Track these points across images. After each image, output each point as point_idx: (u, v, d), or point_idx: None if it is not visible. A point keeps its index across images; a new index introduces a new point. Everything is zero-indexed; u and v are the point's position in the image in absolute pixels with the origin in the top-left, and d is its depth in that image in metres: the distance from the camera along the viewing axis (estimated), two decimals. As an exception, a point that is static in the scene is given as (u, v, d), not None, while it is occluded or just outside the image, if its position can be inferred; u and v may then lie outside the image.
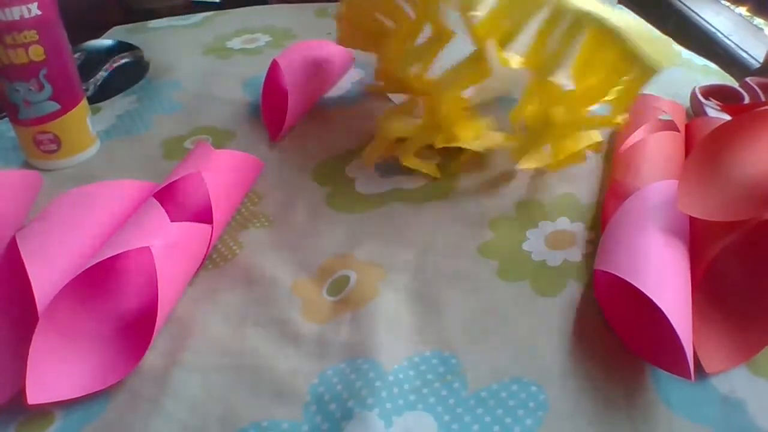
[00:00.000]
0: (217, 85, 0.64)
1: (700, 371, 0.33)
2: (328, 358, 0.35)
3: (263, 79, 0.58)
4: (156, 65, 0.68)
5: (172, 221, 0.39)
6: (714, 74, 0.61)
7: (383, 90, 0.56)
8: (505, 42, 0.42)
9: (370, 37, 0.51)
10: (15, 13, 0.46)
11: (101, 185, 0.43)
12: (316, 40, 0.63)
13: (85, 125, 0.54)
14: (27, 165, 0.54)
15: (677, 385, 0.33)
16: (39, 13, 0.47)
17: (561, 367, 0.34)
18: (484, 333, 0.36)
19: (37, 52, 0.48)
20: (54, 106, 0.51)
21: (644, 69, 0.41)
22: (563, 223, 0.44)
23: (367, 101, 0.60)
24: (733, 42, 0.76)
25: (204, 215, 0.41)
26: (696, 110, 0.53)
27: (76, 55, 0.61)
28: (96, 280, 0.37)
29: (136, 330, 0.37)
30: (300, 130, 0.56)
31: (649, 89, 0.54)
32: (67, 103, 0.51)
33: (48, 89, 0.50)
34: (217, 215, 0.42)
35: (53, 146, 0.52)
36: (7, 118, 0.54)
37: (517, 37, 0.42)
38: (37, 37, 0.48)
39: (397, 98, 0.56)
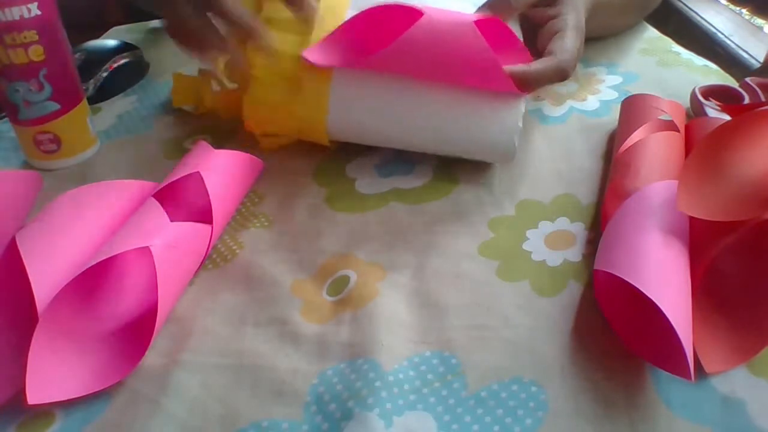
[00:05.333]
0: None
1: (700, 371, 0.33)
2: (328, 358, 0.35)
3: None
4: (156, 65, 0.68)
5: (172, 221, 0.39)
6: (714, 74, 0.61)
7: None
8: None
9: None
10: (15, 13, 0.46)
11: (101, 185, 0.43)
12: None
13: (85, 125, 0.54)
14: (27, 165, 0.54)
15: (677, 385, 0.33)
16: (39, 13, 0.47)
17: (561, 367, 0.34)
18: (484, 333, 0.36)
19: (37, 52, 0.48)
20: (54, 106, 0.51)
21: None
22: (563, 223, 0.44)
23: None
24: (734, 42, 0.76)
25: (204, 215, 0.41)
26: (696, 110, 0.53)
27: (76, 55, 0.61)
28: (96, 280, 0.37)
29: (136, 330, 0.37)
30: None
31: (649, 89, 0.54)
32: (67, 103, 0.51)
33: (48, 89, 0.50)
34: (217, 215, 0.42)
35: (53, 146, 0.52)
36: (7, 118, 0.54)
37: None
38: (37, 37, 0.48)
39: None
